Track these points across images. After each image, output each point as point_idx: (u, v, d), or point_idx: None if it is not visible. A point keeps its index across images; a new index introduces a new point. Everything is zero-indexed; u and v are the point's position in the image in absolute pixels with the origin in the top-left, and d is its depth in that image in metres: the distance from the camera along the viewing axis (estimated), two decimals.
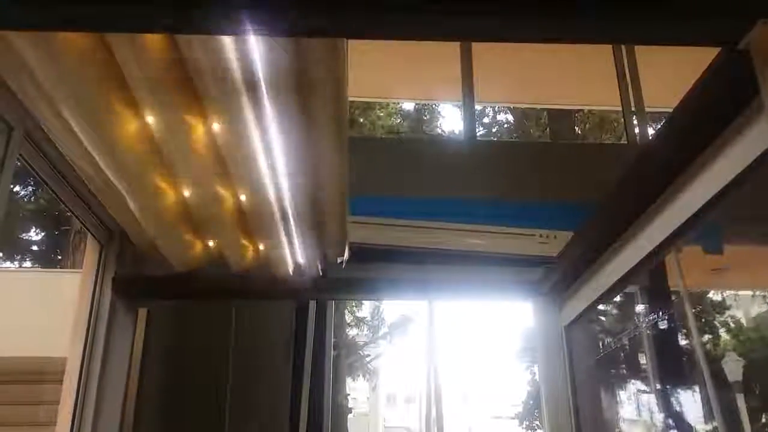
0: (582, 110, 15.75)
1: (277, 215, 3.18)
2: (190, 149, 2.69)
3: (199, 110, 2.53)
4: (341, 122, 2.66)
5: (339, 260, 3.77)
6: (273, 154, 2.77)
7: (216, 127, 2.63)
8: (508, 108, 17.89)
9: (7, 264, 15.37)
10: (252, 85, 2.35)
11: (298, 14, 1.69)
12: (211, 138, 2.68)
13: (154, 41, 2.18)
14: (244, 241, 3.53)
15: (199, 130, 2.61)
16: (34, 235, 16.30)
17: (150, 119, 2.56)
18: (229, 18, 1.71)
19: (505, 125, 19.26)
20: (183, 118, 2.54)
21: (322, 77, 2.36)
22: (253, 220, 3.27)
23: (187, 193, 3.07)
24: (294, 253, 3.63)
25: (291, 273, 3.74)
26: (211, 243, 3.55)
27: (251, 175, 2.86)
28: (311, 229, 3.37)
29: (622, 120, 6.62)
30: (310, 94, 2.44)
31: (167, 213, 3.10)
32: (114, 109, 2.44)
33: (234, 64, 2.22)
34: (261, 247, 3.62)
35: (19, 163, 2.71)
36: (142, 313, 3.68)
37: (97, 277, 3.57)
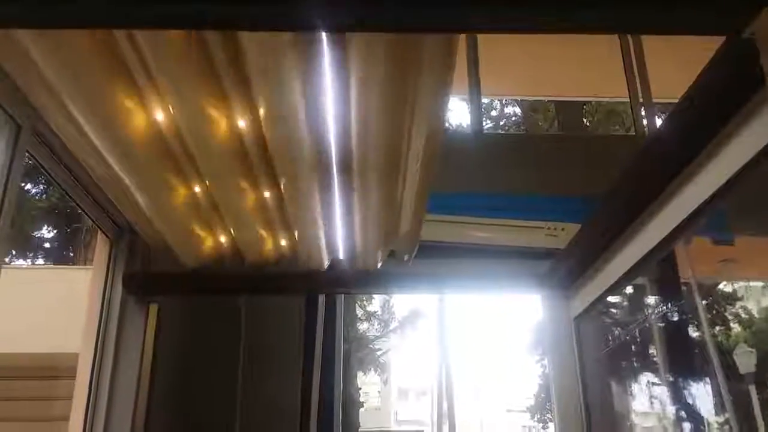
0: (590, 102, 15.67)
1: (318, 208, 3.10)
2: (217, 142, 2.61)
3: (226, 99, 2.45)
4: (441, 116, 2.54)
5: (406, 258, 3.77)
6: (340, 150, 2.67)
7: (244, 121, 2.55)
8: (516, 101, 17.82)
9: (20, 261, 15.49)
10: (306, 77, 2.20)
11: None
12: (239, 130, 2.60)
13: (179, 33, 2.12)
14: (272, 236, 3.52)
15: (224, 122, 2.54)
16: (46, 232, 16.42)
17: (168, 113, 2.52)
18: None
19: (513, 118, 19.20)
20: (208, 110, 2.46)
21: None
22: (291, 215, 3.22)
23: (205, 187, 3.04)
24: (332, 247, 3.61)
25: (325, 268, 3.75)
26: (223, 239, 3.55)
27: (298, 169, 2.75)
28: (382, 226, 3.31)
29: (630, 111, 6.59)
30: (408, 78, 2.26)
31: (179, 208, 3.10)
32: (124, 104, 2.41)
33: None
34: (283, 242, 3.61)
35: (29, 162, 2.74)
36: (153, 309, 3.70)
37: (107, 273, 3.60)
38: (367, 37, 2.00)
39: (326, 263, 3.72)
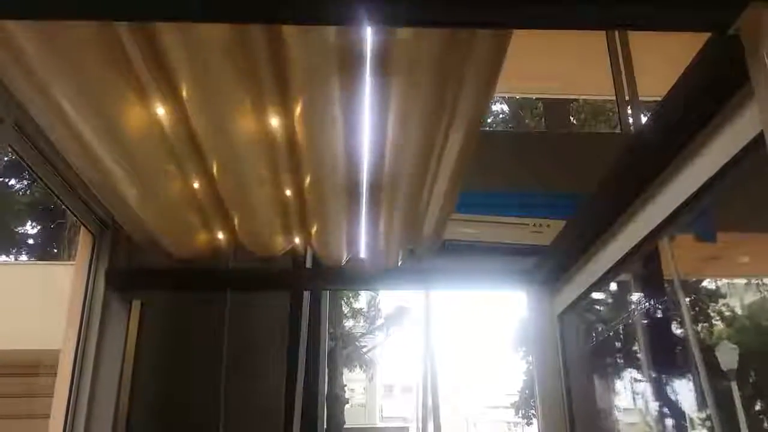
0: (577, 100, 15.73)
1: (342, 206, 3.06)
2: (241, 133, 2.53)
3: (259, 92, 2.36)
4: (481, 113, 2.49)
5: (425, 257, 3.74)
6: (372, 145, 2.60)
7: (274, 113, 2.47)
8: (503, 98, 17.86)
9: (3, 257, 15.35)
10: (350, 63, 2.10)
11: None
12: (268, 122, 2.52)
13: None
14: (285, 231, 3.49)
15: (252, 113, 2.46)
16: (30, 228, 16.26)
17: (173, 102, 2.44)
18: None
19: (500, 115, 19.24)
20: (241, 102, 2.37)
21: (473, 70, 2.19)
22: (312, 211, 3.18)
23: (210, 179, 2.95)
24: (352, 244, 3.59)
25: (343, 264, 3.74)
26: (221, 234, 3.50)
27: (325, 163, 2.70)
28: (407, 225, 3.28)
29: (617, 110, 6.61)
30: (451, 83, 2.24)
31: (175, 201, 3.06)
32: (124, 95, 2.35)
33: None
34: (297, 240, 3.57)
35: (12, 155, 2.69)
36: (136, 305, 3.67)
37: (90, 269, 3.56)
38: (413, 32, 1.96)
39: (344, 260, 3.70)
